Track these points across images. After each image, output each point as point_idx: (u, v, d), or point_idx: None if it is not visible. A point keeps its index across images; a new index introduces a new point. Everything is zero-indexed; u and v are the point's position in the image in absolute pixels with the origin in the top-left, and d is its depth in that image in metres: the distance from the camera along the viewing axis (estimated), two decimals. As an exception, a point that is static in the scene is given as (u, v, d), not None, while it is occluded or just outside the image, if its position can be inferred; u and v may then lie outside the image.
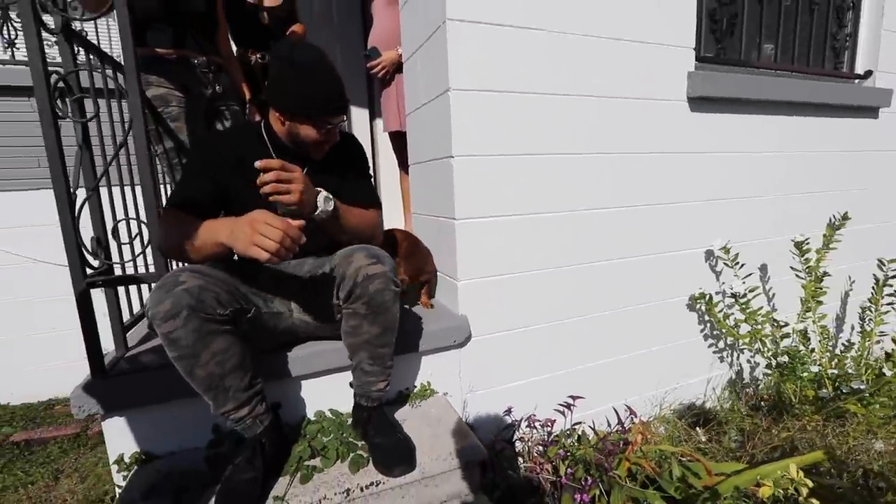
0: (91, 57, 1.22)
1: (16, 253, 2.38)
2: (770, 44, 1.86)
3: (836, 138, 1.91)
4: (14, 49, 2.39)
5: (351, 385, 1.13)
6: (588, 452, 1.13)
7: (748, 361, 1.91)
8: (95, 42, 1.15)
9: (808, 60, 1.92)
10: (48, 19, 1.01)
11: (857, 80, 2.02)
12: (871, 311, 1.83)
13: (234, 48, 1.96)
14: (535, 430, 1.30)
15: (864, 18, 1.97)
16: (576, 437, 1.29)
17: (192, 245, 0.94)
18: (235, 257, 0.95)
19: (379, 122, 2.69)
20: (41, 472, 1.74)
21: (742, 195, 1.73)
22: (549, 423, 1.29)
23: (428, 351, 1.31)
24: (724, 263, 1.67)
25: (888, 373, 1.51)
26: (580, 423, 1.34)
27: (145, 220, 1.14)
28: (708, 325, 1.78)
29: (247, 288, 1.04)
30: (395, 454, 1.02)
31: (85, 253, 1.06)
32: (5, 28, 2.36)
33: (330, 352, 1.19)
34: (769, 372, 1.74)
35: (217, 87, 1.71)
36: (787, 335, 1.68)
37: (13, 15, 2.39)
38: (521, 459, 1.31)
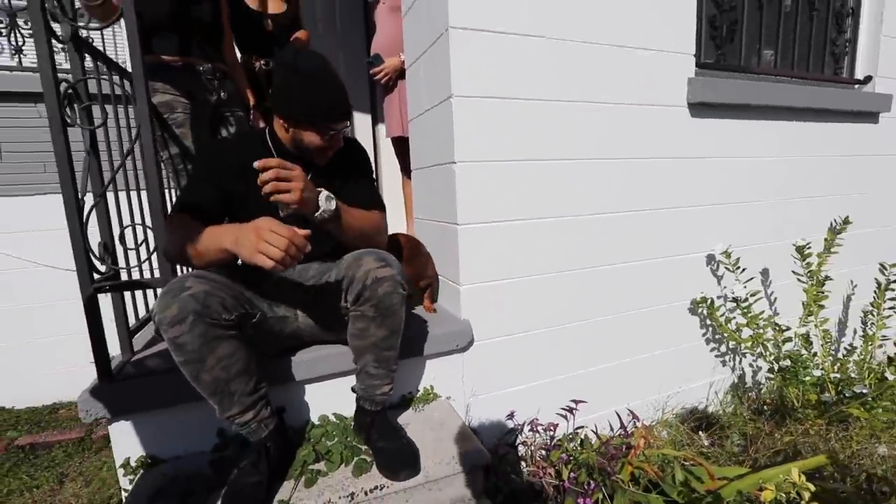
0: (98, 64, 1.24)
1: (20, 257, 2.39)
2: (770, 49, 1.87)
3: (837, 143, 1.92)
4: (21, 56, 2.42)
5: (353, 390, 1.13)
6: (591, 456, 1.14)
7: (750, 365, 1.91)
8: (100, 47, 1.17)
9: (807, 66, 1.94)
10: (54, 26, 1.02)
11: (856, 86, 2.03)
12: (873, 315, 1.83)
13: (239, 55, 1.98)
14: (537, 435, 1.31)
15: (863, 24, 1.98)
16: (578, 441, 1.29)
17: (196, 250, 0.95)
18: (239, 262, 0.96)
19: (381, 128, 2.72)
20: (46, 475, 1.75)
21: (743, 200, 1.74)
22: (552, 427, 1.29)
23: (431, 355, 1.32)
24: (726, 268, 1.67)
25: (891, 377, 1.51)
26: (583, 427, 1.34)
27: (151, 226, 1.15)
28: (710, 329, 1.78)
29: (252, 293, 1.05)
30: (399, 458, 1.03)
31: (93, 258, 1.07)
32: (12, 35, 2.40)
33: (334, 356, 1.20)
34: (771, 376, 1.74)
35: (222, 94, 1.73)
36: (789, 339, 1.68)
37: (20, 22, 2.43)
38: (523, 463, 1.31)
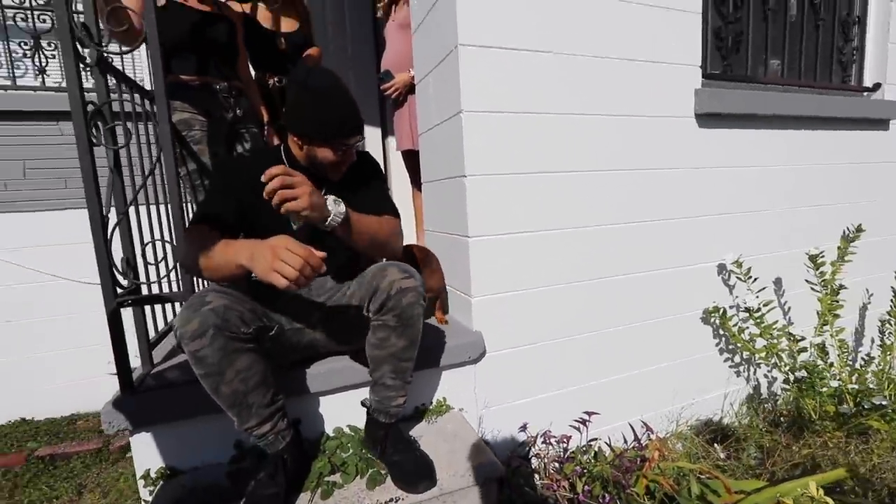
0: (121, 85, 1.29)
1: (42, 270, 2.46)
2: (776, 59, 1.88)
3: (846, 151, 1.91)
4: (44, 76, 2.51)
5: (363, 403, 1.15)
6: (605, 469, 1.13)
7: (765, 376, 1.89)
8: (117, 65, 1.21)
9: (815, 75, 1.94)
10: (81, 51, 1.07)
11: (865, 93, 2.02)
12: (890, 325, 1.80)
13: (253, 72, 2.04)
14: (550, 447, 1.31)
15: (869, 32, 1.99)
16: (592, 454, 1.29)
17: (212, 263, 0.95)
18: (254, 276, 0.97)
19: (391, 141, 2.76)
20: (65, 486, 1.78)
21: (751, 209, 1.74)
22: (565, 440, 1.29)
23: (444, 367, 1.33)
24: (737, 277, 1.67)
25: (910, 387, 1.49)
26: (596, 439, 1.34)
27: (172, 242, 1.18)
28: (723, 339, 1.77)
29: (267, 308, 1.07)
30: (416, 470, 1.04)
31: (116, 273, 1.10)
32: (37, 56, 2.50)
33: (348, 368, 1.21)
34: (787, 387, 1.72)
35: (237, 111, 1.78)
36: (804, 349, 1.67)
37: (44, 44, 2.52)
38: (537, 476, 1.31)
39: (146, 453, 1.11)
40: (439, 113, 1.44)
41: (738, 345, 1.69)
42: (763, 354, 1.66)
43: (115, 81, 1.23)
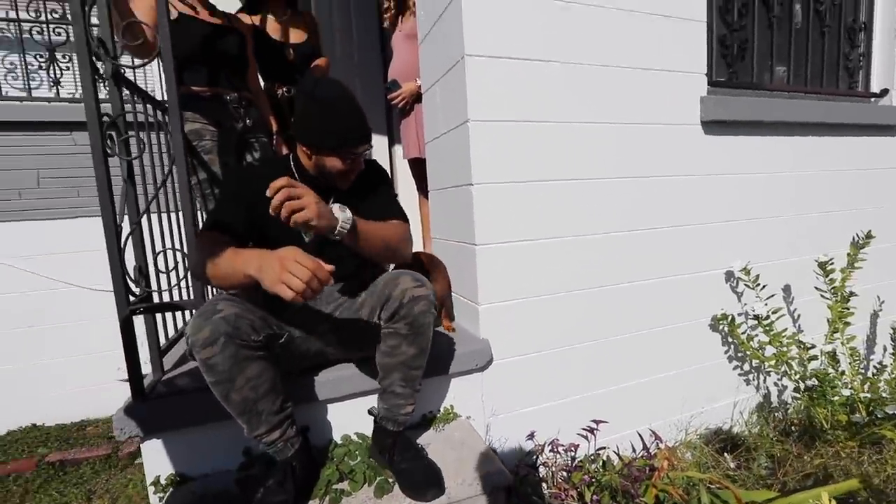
0: (134, 97, 1.32)
1: (54, 277, 2.49)
2: (782, 66, 1.88)
3: (853, 157, 1.90)
4: (59, 88, 2.56)
5: (371, 412, 1.15)
6: (613, 478, 1.13)
7: (775, 384, 1.87)
8: (129, 76, 1.24)
9: (821, 81, 1.94)
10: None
11: (872, 99, 2.02)
12: (902, 332, 1.78)
13: (262, 83, 2.08)
14: (558, 455, 1.30)
15: (876, 39, 1.99)
16: (600, 463, 1.28)
17: (221, 272, 0.95)
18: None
19: (397, 149, 2.78)
20: (75, 492, 1.79)
21: (758, 216, 1.73)
22: (573, 448, 1.28)
23: (451, 374, 1.33)
24: (745, 285, 1.66)
25: (924, 396, 1.47)
26: (604, 447, 1.33)
27: (184, 251, 1.20)
28: (732, 346, 1.75)
29: (277, 316, 1.08)
30: (424, 479, 1.04)
31: (128, 281, 1.12)
32: (51, 68, 2.55)
33: (356, 376, 1.22)
34: (798, 395, 1.70)
35: (247, 121, 1.81)
36: (814, 357, 1.65)
37: (58, 56, 2.58)
38: (545, 485, 1.30)
39: (156, 460, 1.12)
40: (446, 122, 1.46)
41: (748, 353, 1.67)
42: (773, 362, 1.65)
43: (128, 93, 1.26)
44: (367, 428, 1.23)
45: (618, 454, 1.31)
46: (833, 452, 1.44)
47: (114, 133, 1.13)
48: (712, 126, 1.59)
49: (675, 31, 1.49)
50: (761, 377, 1.84)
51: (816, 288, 1.79)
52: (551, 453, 1.31)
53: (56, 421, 2.48)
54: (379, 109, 2.79)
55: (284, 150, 2.10)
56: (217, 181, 1.71)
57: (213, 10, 1.78)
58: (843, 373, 1.67)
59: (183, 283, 1.38)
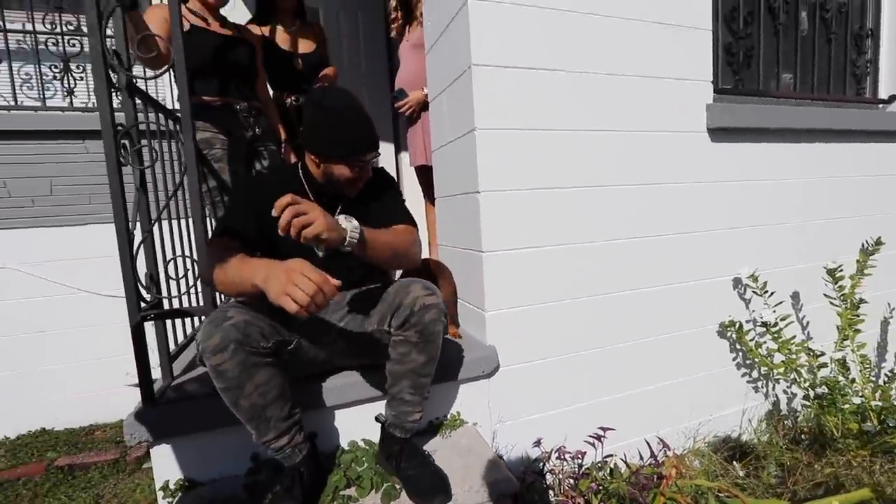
0: (147, 107, 1.35)
1: (65, 284, 2.53)
2: (789, 73, 1.88)
3: (860, 163, 1.89)
4: (72, 97, 2.61)
5: (377, 419, 1.15)
6: (621, 486, 1.12)
7: (784, 392, 1.85)
8: (140, 85, 1.26)
9: (828, 87, 1.94)
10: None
11: (880, 105, 2.01)
12: (914, 340, 1.76)
13: (271, 92, 2.11)
14: (565, 462, 1.30)
15: (883, 46, 1.98)
16: (608, 470, 1.27)
17: (228, 280, 0.96)
18: None
19: (403, 156, 2.81)
20: (83, 496, 1.80)
21: (765, 223, 1.73)
22: (580, 455, 1.28)
23: (458, 381, 1.33)
24: (753, 291, 1.65)
25: (937, 405, 1.45)
26: (611, 455, 1.32)
27: (194, 258, 1.22)
28: (740, 354, 1.74)
29: (286, 324, 1.09)
30: (431, 485, 1.04)
31: (140, 288, 1.14)
32: (66, 79, 2.61)
33: (363, 383, 1.23)
34: (808, 403, 1.68)
35: (256, 130, 1.84)
36: (824, 365, 1.63)
37: (72, 66, 2.64)
38: (551, 493, 1.29)
39: (166, 465, 1.13)
40: (453, 130, 1.47)
41: (756, 360, 1.66)
42: (782, 370, 1.64)
43: (140, 103, 1.29)
44: (374, 434, 1.23)
45: (625, 462, 1.31)
46: (844, 461, 1.42)
47: (127, 142, 1.15)
48: (718, 133, 1.59)
49: (680, 39, 1.50)
50: (770, 385, 1.82)
51: (825, 295, 1.78)
52: (558, 460, 1.30)
53: (65, 425, 2.50)
54: (386, 118, 2.83)
55: (293, 159, 2.12)
56: (227, 189, 1.73)
57: (223, 21, 1.82)
58: (853, 380, 1.65)
59: (193, 290, 1.40)
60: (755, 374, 1.78)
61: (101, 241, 2.48)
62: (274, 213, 0.85)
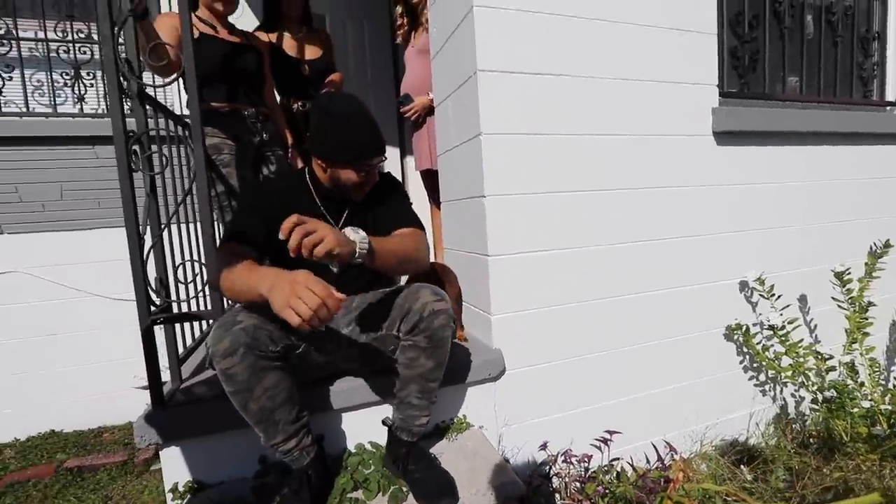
0: (157, 113, 1.37)
1: (75, 287, 2.55)
2: (795, 76, 1.88)
3: (867, 166, 1.89)
4: (83, 104, 2.65)
5: (384, 423, 1.16)
6: (628, 490, 1.12)
7: (792, 395, 1.84)
8: (149, 91, 1.28)
9: (835, 90, 1.94)
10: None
11: (888, 108, 2.00)
12: (923, 343, 1.75)
13: (278, 97, 2.13)
14: (571, 466, 1.30)
15: (890, 48, 1.98)
16: (614, 474, 1.27)
17: (236, 287, 0.96)
18: None
19: (409, 160, 2.82)
20: (92, 498, 1.82)
21: (772, 226, 1.73)
22: (586, 459, 1.28)
23: (465, 384, 1.34)
24: (760, 295, 1.64)
25: (947, 409, 1.44)
26: (618, 458, 1.32)
27: (203, 262, 1.23)
28: (747, 357, 1.74)
29: (293, 330, 1.08)
30: (437, 488, 1.04)
31: (150, 292, 1.16)
32: (76, 85, 2.65)
33: (371, 386, 1.23)
34: (816, 407, 1.67)
35: (264, 135, 1.86)
36: (832, 368, 1.62)
37: (83, 73, 2.68)
38: (558, 496, 1.29)
39: (175, 467, 1.14)
40: (458, 135, 1.48)
41: (763, 363, 1.66)
42: (789, 373, 1.63)
43: (153, 111, 1.31)
44: (381, 437, 1.24)
45: (632, 465, 1.31)
46: (854, 466, 1.41)
47: (137, 148, 1.17)
48: (724, 137, 1.60)
49: (685, 43, 1.51)
50: (777, 388, 1.81)
51: (833, 298, 1.77)
52: (564, 464, 1.30)
53: (74, 427, 2.52)
54: (391, 122, 2.85)
55: (299, 164, 2.14)
56: (234, 194, 1.75)
57: (231, 28, 1.85)
58: (862, 384, 1.64)
59: (201, 294, 1.42)
60: (762, 377, 1.78)
61: (110, 245, 2.51)
62: (281, 236, 0.84)
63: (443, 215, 1.76)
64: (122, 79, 1.12)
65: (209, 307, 1.32)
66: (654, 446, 1.35)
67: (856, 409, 1.54)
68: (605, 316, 1.49)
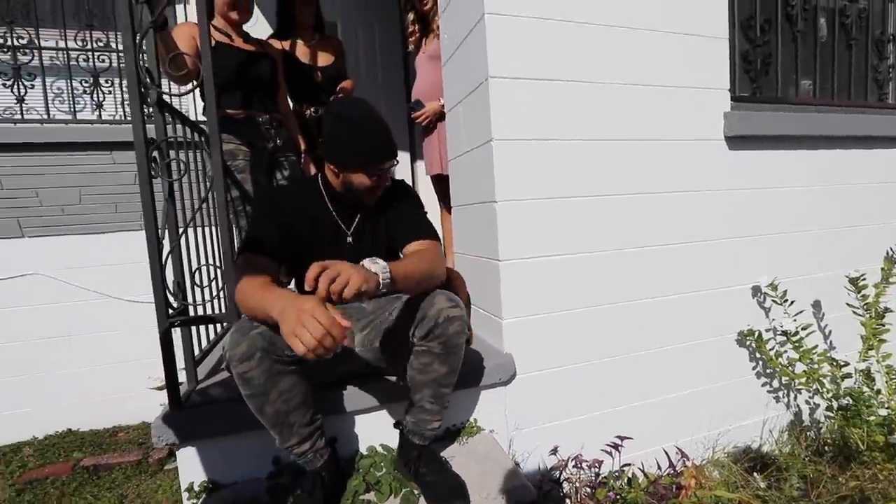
0: (175, 121, 1.40)
1: (91, 289, 2.61)
2: (808, 80, 1.87)
3: (882, 170, 1.86)
4: (101, 111, 2.72)
5: (396, 426, 1.17)
6: (639, 496, 1.12)
7: (807, 402, 1.82)
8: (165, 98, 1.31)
9: (849, 94, 1.91)
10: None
11: (904, 111, 1.98)
12: (942, 350, 1.71)
13: (291, 104, 2.17)
14: (582, 471, 1.30)
15: (905, 51, 1.95)
16: (625, 480, 1.27)
17: (252, 306, 0.96)
18: None
19: (419, 165, 2.85)
20: (108, 496, 1.86)
21: (785, 230, 1.71)
22: (597, 464, 1.28)
23: (476, 388, 1.35)
24: (773, 300, 1.63)
25: (967, 418, 1.41)
26: (629, 464, 1.32)
27: (219, 266, 1.26)
28: (760, 363, 1.72)
29: None
30: (449, 491, 1.05)
31: (168, 295, 1.18)
32: (95, 93, 2.71)
33: (382, 389, 1.25)
34: (831, 414, 1.65)
35: (278, 141, 1.90)
36: (848, 375, 1.60)
37: (101, 81, 2.74)
38: (568, 501, 1.29)
39: (190, 467, 1.17)
40: (469, 140, 1.50)
41: (777, 369, 1.64)
42: (803, 380, 1.61)
43: (171, 119, 1.34)
44: (392, 440, 1.25)
45: (643, 471, 1.30)
46: (870, 475, 1.39)
47: (157, 155, 1.20)
48: (736, 141, 1.59)
49: (696, 48, 1.51)
50: (791, 395, 1.79)
51: (848, 304, 1.74)
52: (575, 469, 1.30)
53: (90, 426, 2.57)
54: (402, 127, 2.87)
55: (312, 169, 2.17)
56: (249, 199, 1.79)
57: (246, 37, 1.88)
58: (878, 391, 1.61)
59: (217, 297, 1.45)
60: (776, 383, 1.76)
61: (127, 248, 2.56)
62: (307, 286, 0.85)
63: (453, 220, 1.78)
64: (142, 88, 1.15)
65: (224, 310, 1.35)
66: (666, 452, 1.35)
67: (872, 417, 1.52)
68: (615, 321, 1.48)
